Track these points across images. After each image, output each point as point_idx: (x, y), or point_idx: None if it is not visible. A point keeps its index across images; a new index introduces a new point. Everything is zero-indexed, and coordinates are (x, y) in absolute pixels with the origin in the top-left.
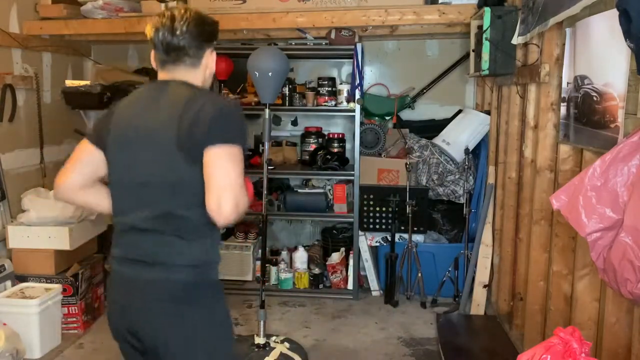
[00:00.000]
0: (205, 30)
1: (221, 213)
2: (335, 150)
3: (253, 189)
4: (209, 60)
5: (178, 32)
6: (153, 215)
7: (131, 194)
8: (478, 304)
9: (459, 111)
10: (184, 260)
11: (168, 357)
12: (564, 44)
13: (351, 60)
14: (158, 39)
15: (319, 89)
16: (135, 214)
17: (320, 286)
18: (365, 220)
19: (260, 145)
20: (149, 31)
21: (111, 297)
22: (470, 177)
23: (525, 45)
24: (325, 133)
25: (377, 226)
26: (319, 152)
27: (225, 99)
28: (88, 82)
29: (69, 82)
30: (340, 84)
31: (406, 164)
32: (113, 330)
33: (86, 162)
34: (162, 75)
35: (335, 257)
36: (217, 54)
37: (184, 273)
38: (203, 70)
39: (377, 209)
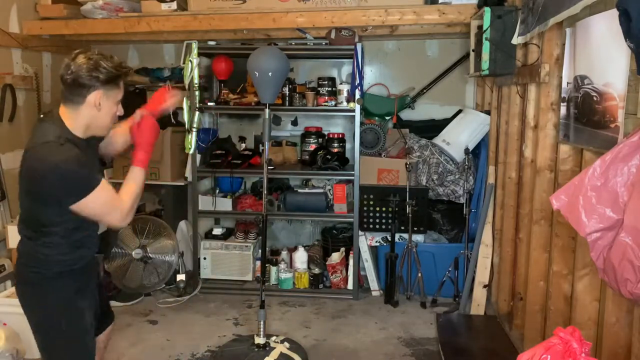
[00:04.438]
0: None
1: None
2: (335, 150)
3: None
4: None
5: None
6: None
7: None
8: (478, 304)
9: (459, 111)
10: None
11: None
12: (564, 44)
13: (351, 60)
14: None
15: (319, 89)
16: None
17: (320, 286)
18: (365, 220)
19: (260, 145)
20: None
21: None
22: (470, 177)
23: (525, 45)
24: (325, 133)
25: (377, 226)
26: (319, 152)
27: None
28: None
29: None
30: (340, 84)
31: (406, 164)
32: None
33: None
34: None
35: (335, 257)
36: (217, 54)
37: None
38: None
39: (377, 209)
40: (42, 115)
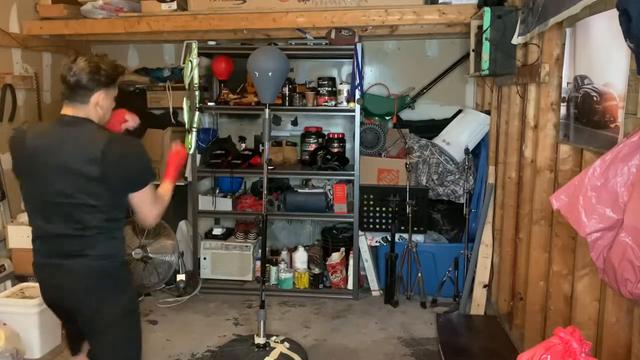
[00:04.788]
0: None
1: None
2: (335, 150)
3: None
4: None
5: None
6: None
7: None
8: (478, 304)
9: (459, 111)
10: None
11: None
12: (564, 44)
13: (351, 60)
14: None
15: (319, 89)
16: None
17: (320, 286)
18: (365, 220)
19: (260, 145)
20: None
21: None
22: (470, 177)
23: (525, 45)
24: (325, 133)
25: (377, 226)
26: (319, 152)
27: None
28: None
29: None
30: (340, 84)
31: (406, 164)
32: None
33: None
34: None
35: (335, 257)
36: (217, 54)
37: None
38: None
39: (377, 209)
40: (65, 119)
